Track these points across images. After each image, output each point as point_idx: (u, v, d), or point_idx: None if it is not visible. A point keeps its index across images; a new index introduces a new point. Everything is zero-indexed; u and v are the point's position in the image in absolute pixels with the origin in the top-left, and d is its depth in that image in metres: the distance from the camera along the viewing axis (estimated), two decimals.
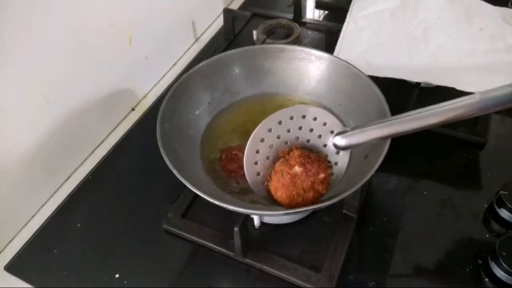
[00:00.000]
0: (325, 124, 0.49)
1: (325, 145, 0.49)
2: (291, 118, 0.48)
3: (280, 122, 0.48)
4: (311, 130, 0.49)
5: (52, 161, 0.60)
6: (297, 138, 0.49)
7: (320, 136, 0.49)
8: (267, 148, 0.48)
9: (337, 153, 0.49)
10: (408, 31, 0.70)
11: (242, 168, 0.50)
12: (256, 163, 0.48)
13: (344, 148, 0.48)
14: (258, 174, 0.48)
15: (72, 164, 0.64)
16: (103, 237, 0.55)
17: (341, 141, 0.48)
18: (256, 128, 0.48)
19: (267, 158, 0.48)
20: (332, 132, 0.49)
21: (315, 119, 0.49)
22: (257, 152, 0.48)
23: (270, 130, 0.48)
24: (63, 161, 0.63)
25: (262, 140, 0.48)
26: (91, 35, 0.61)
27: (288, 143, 0.49)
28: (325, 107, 0.60)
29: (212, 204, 0.44)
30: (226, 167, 0.54)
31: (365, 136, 0.46)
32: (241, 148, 0.54)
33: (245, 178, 0.48)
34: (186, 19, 0.84)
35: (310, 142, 0.49)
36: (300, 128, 0.49)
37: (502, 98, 0.40)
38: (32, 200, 0.59)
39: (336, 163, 0.49)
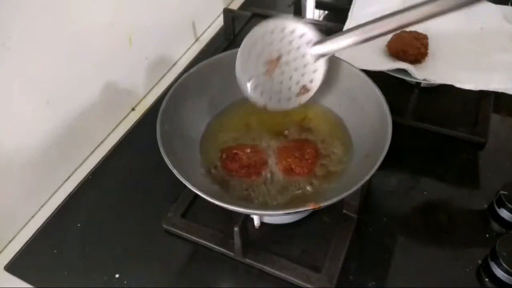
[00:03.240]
0: (302, 35, 0.53)
1: (303, 56, 0.53)
2: (272, 32, 0.53)
3: (262, 36, 0.53)
4: (290, 42, 0.53)
5: (52, 161, 0.60)
6: (279, 49, 0.53)
7: (298, 48, 0.53)
8: (254, 59, 0.53)
9: (315, 61, 0.53)
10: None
11: (243, 167, 0.51)
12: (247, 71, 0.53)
13: (322, 55, 0.52)
14: (249, 79, 0.53)
15: (72, 164, 0.64)
16: (103, 237, 0.55)
17: (318, 49, 0.52)
18: (243, 41, 0.53)
19: (256, 68, 0.53)
20: (308, 43, 0.52)
21: (292, 31, 0.53)
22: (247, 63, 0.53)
23: (255, 43, 0.53)
24: (63, 161, 0.63)
25: (248, 52, 0.53)
26: (91, 35, 0.61)
27: (272, 54, 0.53)
28: (325, 107, 0.60)
29: (212, 204, 0.44)
30: (226, 167, 0.54)
31: (341, 43, 0.50)
32: (241, 147, 0.54)
33: (246, 176, 0.50)
34: (186, 19, 0.84)
35: (290, 53, 0.53)
36: (281, 40, 0.53)
37: None
38: (32, 200, 0.59)
39: (315, 71, 0.53)
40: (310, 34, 0.52)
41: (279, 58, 0.53)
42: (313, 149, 0.55)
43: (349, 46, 0.49)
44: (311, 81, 0.53)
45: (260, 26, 0.53)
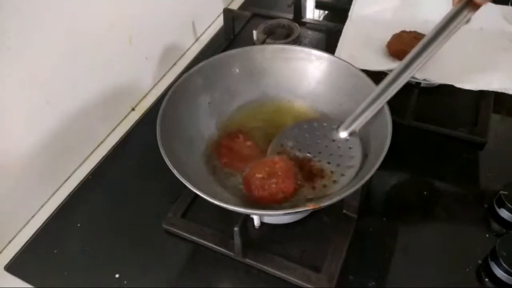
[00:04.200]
0: (324, 125, 0.55)
1: (333, 140, 0.54)
2: (295, 130, 0.56)
3: (288, 137, 0.55)
4: (316, 133, 0.55)
5: (52, 161, 0.60)
6: (307, 143, 0.54)
7: (325, 135, 0.55)
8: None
9: (346, 140, 0.53)
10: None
11: (237, 158, 0.54)
12: None
13: (351, 134, 0.53)
14: None
15: (72, 164, 0.64)
16: (103, 237, 0.55)
17: (344, 131, 0.54)
18: (269, 149, 0.54)
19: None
20: (333, 128, 0.54)
21: (314, 124, 0.56)
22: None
23: (282, 145, 0.54)
24: (63, 161, 0.63)
25: (281, 145, 0.54)
26: (91, 35, 0.61)
27: (301, 150, 0.54)
28: (325, 107, 0.60)
29: (212, 204, 0.44)
30: (221, 156, 0.55)
31: (362, 119, 0.52)
32: (238, 138, 0.57)
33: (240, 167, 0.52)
34: (186, 19, 0.84)
35: (319, 142, 0.54)
36: (305, 136, 0.55)
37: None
38: (32, 200, 0.59)
39: (350, 148, 0.53)
40: (330, 122, 0.55)
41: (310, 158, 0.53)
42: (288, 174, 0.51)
43: (368, 117, 0.52)
44: (351, 158, 0.52)
45: (285, 129, 0.56)
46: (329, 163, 0.52)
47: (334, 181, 0.50)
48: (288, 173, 0.50)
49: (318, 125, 0.56)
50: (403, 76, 0.50)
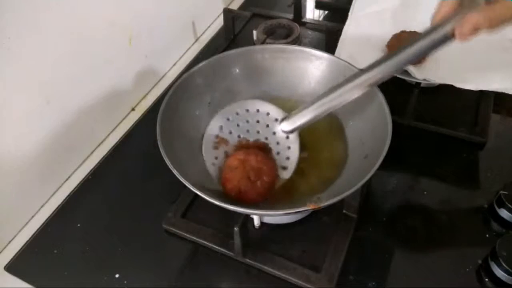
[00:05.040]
0: (268, 114, 0.53)
1: (274, 133, 0.53)
2: (237, 113, 0.54)
3: (228, 119, 0.54)
4: (258, 121, 0.53)
5: (52, 161, 0.60)
6: (248, 130, 0.53)
7: (267, 126, 0.53)
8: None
9: (287, 137, 0.52)
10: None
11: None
12: (216, 157, 0.52)
13: (292, 131, 0.52)
14: (219, 168, 0.52)
15: (72, 164, 0.64)
16: (103, 237, 0.55)
17: (287, 126, 0.52)
18: (208, 127, 0.53)
19: (225, 153, 0.53)
20: (276, 120, 0.53)
21: (257, 110, 0.54)
22: (215, 148, 0.53)
23: (221, 127, 0.53)
24: (63, 161, 0.63)
25: (216, 137, 0.53)
26: (91, 35, 0.61)
27: (241, 136, 0.53)
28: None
29: (212, 204, 0.44)
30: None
31: (306, 117, 0.50)
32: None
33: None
34: (186, 19, 0.84)
35: (260, 132, 0.53)
36: (247, 121, 0.54)
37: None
38: (32, 200, 0.59)
39: (289, 147, 0.52)
40: (274, 112, 0.53)
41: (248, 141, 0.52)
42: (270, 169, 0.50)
43: (315, 119, 0.50)
44: (287, 159, 0.51)
45: (223, 110, 0.54)
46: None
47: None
48: (264, 165, 0.49)
49: (261, 111, 0.53)
50: (358, 80, 0.46)
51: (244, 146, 0.52)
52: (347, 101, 0.48)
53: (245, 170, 0.49)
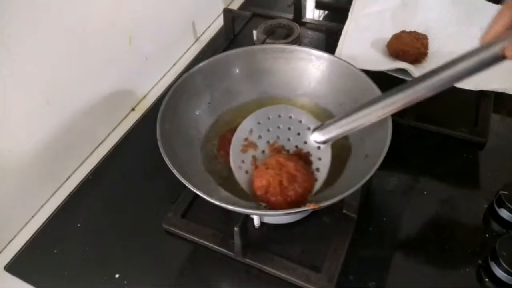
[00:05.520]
0: (300, 121, 0.52)
1: (305, 142, 0.51)
2: (268, 118, 0.52)
3: (259, 123, 0.52)
4: (289, 128, 0.52)
5: (52, 161, 0.60)
6: (278, 137, 0.52)
7: (299, 134, 0.52)
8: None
9: (318, 148, 0.51)
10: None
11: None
12: (243, 161, 0.51)
13: (324, 142, 0.50)
14: (246, 172, 0.50)
15: (72, 164, 0.64)
16: (103, 237, 0.55)
17: (319, 136, 0.50)
18: (238, 129, 0.52)
19: (253, 157, 0.51)
20: (309, 128, 0.51)
21: (290, 117, 0.52)
22: (243, 151, 0.51)
23: (251, 131, 0.52)
24: (63, 161, 0.63)
25: (245, 140, 0.51)
26: (91, 35, 0.61)
27: (270, 142, 0.52)
28: (325, 107, 0.60)
29: (212, 204, 0.44)
30: (223, 149, 0.55)
31: (342, 129, 0.48)
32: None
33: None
34: (186, 19, 0.84)
35: (291, 140, 0.51)
36: (279, 127, 0.52)
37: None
38: (32, 200, 0.59)
39: (319, 158, 0.50)
40: (307, 120, 0.51)
41: (279, 147, 0.50)
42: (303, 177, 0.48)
43: (353, 131, 0.47)
44: (317, 170, 0.49)
45: (255, 113, 0.52)
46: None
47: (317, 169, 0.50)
48: (301, 172, 0.47)
49: (294, 118, 0.52)
50: (403, 94, 0.43)
51: (278, 150, 0.51)
52: (387, 115, 0.45)
53: (280, 173, 0.47)
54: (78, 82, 0.61)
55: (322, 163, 0.50)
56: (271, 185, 0.47)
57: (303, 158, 0.50)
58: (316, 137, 0.50)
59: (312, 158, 0.50)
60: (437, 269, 0.50)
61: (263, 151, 0.51)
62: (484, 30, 0.40)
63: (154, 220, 0.56)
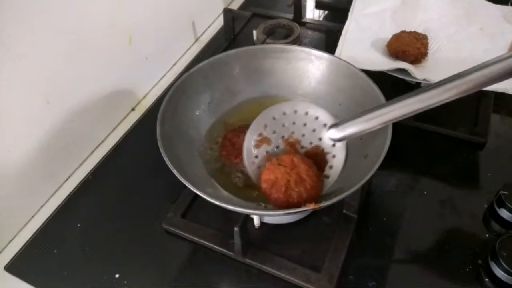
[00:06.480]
0: (317, 118, 0.51)
1: (320, 139, 0.51)
2: (284, 113, 0.52)
3: (274, 118, 0.51)
4: (305, 124, 0.51)
5: (52, 161, 0.60)
6: (293, 132, 0.51)
7: (314, 130, 0.51)
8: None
9: (333, 145, 0.50)
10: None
11: (237, 156, 0.53)
12: (256, 156, 0.50)
13: (340, 140, 0.50)
14: (258, 168, 0.50)
15: (72, 164, 0.64)
16: (103, 237, 0.55)
17: (335, 133, 0.49)
18: (253, 123, 0.51)
19: (266, 152, 0.51)
20: (325, 125, 0.50)
21: (306, 113, 0.51)
22: (257, 146, 0.51)
23: (265, 126, 0.51)
24: (63, 161, 0.63)
25: (259, 135, 0.51)
26: (91, 35, 0.61)
27: (285, 137, 0.51)
28: (325, 107, 0.60)
29: (212, 204, 0.44)
30: (225, 150, 0.55)
31: (358, 127, 0.47)
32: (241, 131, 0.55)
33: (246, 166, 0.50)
34: (186, 19, 0.84)
35: (305, 136, 0.51)
36: (294, 123, 0.52)
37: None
38: (32, 200, 0.59)
39: (334, 156, 0.50)
40: (324, 116, 0.50)
41: (295, 142, 0.50)
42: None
43: (369, 130, 0.46)
44: (330, 167, 0.49)
45: (271, 108, 0.51)
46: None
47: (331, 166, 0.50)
48: (313, 176, 0.46)
49: (310, 115, 0.51)
50: (423, 95, 0.42)
51: (293, 145, 0.50)
52: (407, 116, 0.44)
53: (290, 172, 0.46)
54: (78, 82, 0.61)
55: (336, 161, 0.50)
56: (277, 182, 0.46)
57: (319, 156, 0.50)
58: (331, 134, 0.50)
59: (327, 157, 0.50)
60: (437, 269, 0.50)
61: (277, 147, 0.51)
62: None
63: (154, 220, 0.56)
